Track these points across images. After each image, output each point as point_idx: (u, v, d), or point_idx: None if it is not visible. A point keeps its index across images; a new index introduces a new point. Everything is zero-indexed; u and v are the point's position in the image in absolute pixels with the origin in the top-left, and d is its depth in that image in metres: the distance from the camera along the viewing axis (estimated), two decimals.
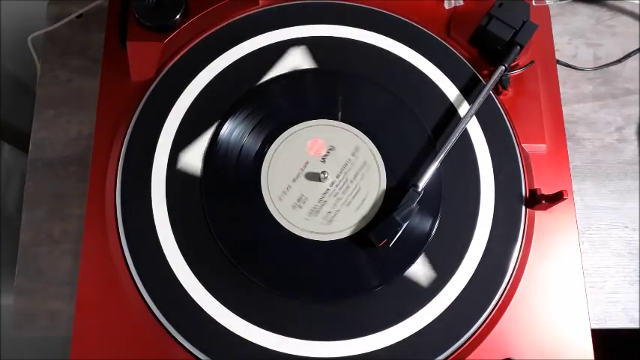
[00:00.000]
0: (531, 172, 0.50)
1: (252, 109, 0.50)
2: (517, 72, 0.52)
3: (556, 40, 0.56)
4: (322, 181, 0.48)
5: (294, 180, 0.48)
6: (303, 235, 0.47)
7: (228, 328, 0.44)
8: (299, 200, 0.48)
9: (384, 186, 0.48)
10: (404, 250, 0.47)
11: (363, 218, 0.47)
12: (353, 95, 0.51)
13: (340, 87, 0.52)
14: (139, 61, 0.52)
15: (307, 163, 0.49)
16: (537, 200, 0.48)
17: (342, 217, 0.47)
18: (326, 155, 0.49)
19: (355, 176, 0.49)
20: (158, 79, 0.51)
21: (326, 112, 0.51)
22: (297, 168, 0.49)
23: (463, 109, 0.51)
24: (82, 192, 0.53)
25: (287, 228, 0.47)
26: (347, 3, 0.55)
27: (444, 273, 0.46)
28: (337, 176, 0.49)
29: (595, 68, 0.60)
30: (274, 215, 0.47)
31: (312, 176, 0.48)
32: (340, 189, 0.48)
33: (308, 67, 0.51)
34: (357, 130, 0.50)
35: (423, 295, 0.46)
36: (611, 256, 0.54)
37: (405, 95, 0.51)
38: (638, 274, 0.54)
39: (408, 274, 0.46)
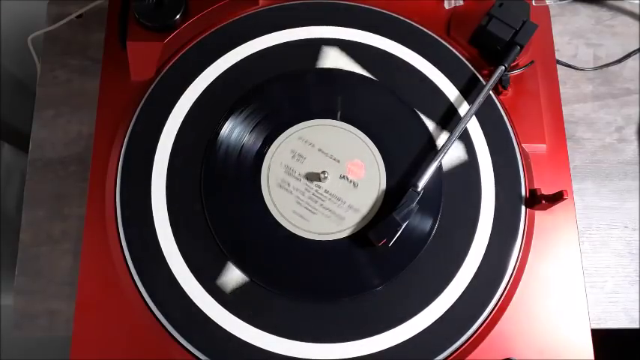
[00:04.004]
0: (531, 172, 0.50)
1: (253, 109, 0.50)
2: (517, 72, 0.52)
3: (556, 40, 0.56)
4: (322, 180, 0.48)
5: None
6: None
7: (228, 328, 0.44)
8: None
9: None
10: (404, 250, 0.47)
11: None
12: (353, 95, 0.51)
13: (340, 87, 0.52)
14: (139, 61, 0.52)
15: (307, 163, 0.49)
16: (537, 200, 0.48)
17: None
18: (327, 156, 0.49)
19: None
20: (158, 79, 0.51)
21: (326, 111, 0.51)
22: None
23: (463, 109, 0.51)
24: (82, 192, 0.53)
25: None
26: (347, 3, 0.55)
27: (444, 273, 0.46)
28: (337, 176, 0.49)
29: (595, 68, 0.60)
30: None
31: (312, 176, 0.48)
32: (336, 191, 0.48)
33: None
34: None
35: (424, 295, 0.46)
36: (611, 256, 0.54)
37: (405, 95, 0.51)
38: (638, 274, 0.54)
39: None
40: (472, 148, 0.50)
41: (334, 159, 0.49)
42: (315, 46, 0.53)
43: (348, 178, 0.48)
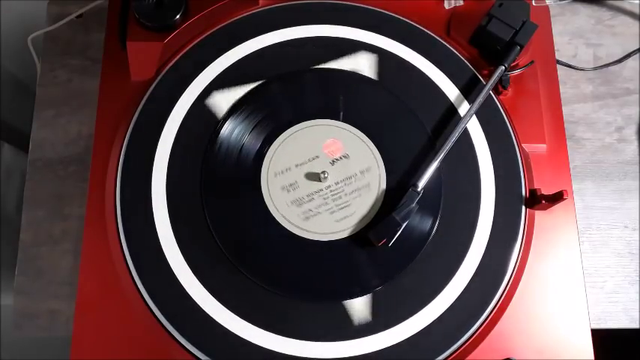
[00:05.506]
0: (531, 172, 0.50)
1: (253, 109, 0.50)
2: (517, 72, 0.52)
3: (556, 40, 0.56)
4: (322, 180, 0.48)
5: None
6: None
7: (228, 328, 0.44)
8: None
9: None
10: (404, 250, 0.47)
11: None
12: (353, 95, 0.51)
13: (340, 87, 0.52)
14: (139, 61, 0.52)
15: (307, 163, 0.49)
16: (537, 200, 0.48)
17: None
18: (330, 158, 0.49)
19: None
20: (158, 79, 0.51)
21: (326, 112, 0.51)
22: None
23: (463, 108, 0.51)
24: (82, 192, 0.53)
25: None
26: (347, 3, 0.55)
27: (444, 273, 0.46)
28: (336, 181, 0.49)
29: (595, 68, 0.60)
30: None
31: (312, 176, 0.48)
32: (336, 192, 0.48)
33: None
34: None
35: (424, 295, 0.46)
36: (611, 256, 0.54)
37: (405, 95, 0.51)
38: (638, 274, 0.54)
39: (346, 304, 0.45)
40: (472, 148, 0.50)
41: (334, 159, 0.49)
42: (316, 45, 0.53)
43: (346, 177, 0.49)
